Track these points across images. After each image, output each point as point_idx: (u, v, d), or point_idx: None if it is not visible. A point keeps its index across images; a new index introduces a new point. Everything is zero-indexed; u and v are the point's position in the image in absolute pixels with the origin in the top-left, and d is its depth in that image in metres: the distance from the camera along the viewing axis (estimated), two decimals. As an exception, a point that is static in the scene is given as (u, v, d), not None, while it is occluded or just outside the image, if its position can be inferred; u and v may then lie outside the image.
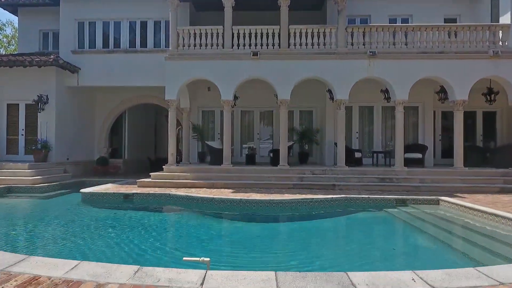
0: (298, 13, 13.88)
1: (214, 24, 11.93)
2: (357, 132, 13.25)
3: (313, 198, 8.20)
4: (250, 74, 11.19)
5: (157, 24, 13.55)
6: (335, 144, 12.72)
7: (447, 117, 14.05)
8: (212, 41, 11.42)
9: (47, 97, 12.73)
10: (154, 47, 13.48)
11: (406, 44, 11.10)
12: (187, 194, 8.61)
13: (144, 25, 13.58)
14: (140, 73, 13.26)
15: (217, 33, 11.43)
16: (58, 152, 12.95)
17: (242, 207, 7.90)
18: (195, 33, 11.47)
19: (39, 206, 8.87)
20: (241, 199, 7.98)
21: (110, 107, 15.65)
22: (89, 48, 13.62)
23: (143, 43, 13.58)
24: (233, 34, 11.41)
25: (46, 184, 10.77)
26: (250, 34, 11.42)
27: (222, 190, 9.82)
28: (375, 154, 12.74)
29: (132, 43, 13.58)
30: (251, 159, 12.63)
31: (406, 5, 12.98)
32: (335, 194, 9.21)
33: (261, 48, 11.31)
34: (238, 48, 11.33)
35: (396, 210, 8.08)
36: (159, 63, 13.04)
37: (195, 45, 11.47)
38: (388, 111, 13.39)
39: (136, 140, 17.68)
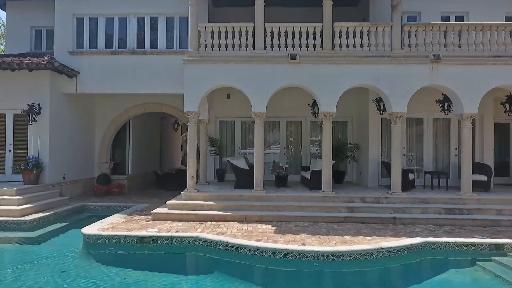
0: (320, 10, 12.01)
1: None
2: (404, 148, 11.38)
3: (389, 247, 6.27)
4: (287, 81, 9.26)
5: (170, 21, 11.56)
6: (383, 163, 10.85)
7: (500, 129, 12.30)
8: (240, 41, 9.47)
9: (39, 106, 10.68)
10: (166, 47, 11.49)
11: (474, 46, 9.26)
12: (221, 239, 6.63)
13: (154, 22, 11.59)
14: (150, 78, 11.26)
15: (247, 32, 9.49)
16: (53, 171, 10.91)
17: (297, 262, 5.98)
18: (219, 32, 9.52)
19: (22, 262, 6.26)
20: (298, 250, 6.03)
21: (112, 116, 13.61)
22: (89, 48, 11.58)
23: (154, 43, 11.58)
24: (265, 33, 9.49)
25: (38, 216, 8.71)
26: (286, 33, 9.49)
27: (258, 226, 7.88)
28: (427, 175, 10.90)
29: (140, 43, 11.58)
30: (281, 181, 10.70)
31: (463, 1, 11.15)
32: (399, 231, 7.34)
33: (300, 50, 9.39)
34: (272, 50, 9.40)
35: (493, 263, 6.18)
36: (172, 67, 11.13)
37: (219, 46, 9.52)
38: (441, 124, 11.55)
39: (141, 153, 15.65)
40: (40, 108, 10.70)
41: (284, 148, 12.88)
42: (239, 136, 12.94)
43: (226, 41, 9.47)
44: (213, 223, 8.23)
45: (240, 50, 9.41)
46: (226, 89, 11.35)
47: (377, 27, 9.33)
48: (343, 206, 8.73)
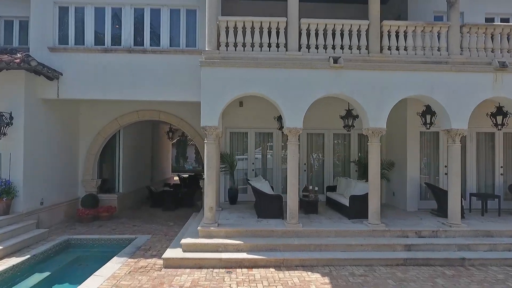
0: (347, 6, 10.53)
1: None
2: (445, 167, 10.01)
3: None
4: (327, 90, 7.61)
5: (174, 13, 9.62)
6: (427, 185, 9.42)
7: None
8: (270, 39, 7.73)
9: (10, 115, 8.50)
10: (170, 45, 9.56)
11: (542, 53, 7.97)
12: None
13: (156, 14, 9.61)
14: (151, 83, 9.30)
15: (277, 29, 7.77)
16: (28, 196, 8.75)
17: None
18: (244, 27, 7.74)
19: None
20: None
21: (100, 125, 11.49)
22: (75, 44, 9.45)
23: (155, 40, 9.61)
24: (300, 31, 7.80)
25: (7, 265, 6.53)
26: (325, 31, 7.84)
27: (304, 275, 6.17)
28: (471, 198, 9.60)
29: (138, 40, 9.57)
30: (311, 207, 9.03)
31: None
32: (480, 279, 5.87)
33: (342, 52, 7.77)
34: (308, 52, 7.73)
35: None
36: (178, 69, 9.28)
37: (244, 45, 7.73)
38: (485, 139, 10.26)
39: (132, 166, 13.57)
40: (11, 118, 8.51)
41: (305, 164, 11.24)
42: (253, 150, 11.19)
43: (253, 40, 7.70)
44: (243, 270, 6.45)
45: (270, 50, 7.67)
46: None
47: (432, 27, 7.85)
48: (398, 244, 7.17)
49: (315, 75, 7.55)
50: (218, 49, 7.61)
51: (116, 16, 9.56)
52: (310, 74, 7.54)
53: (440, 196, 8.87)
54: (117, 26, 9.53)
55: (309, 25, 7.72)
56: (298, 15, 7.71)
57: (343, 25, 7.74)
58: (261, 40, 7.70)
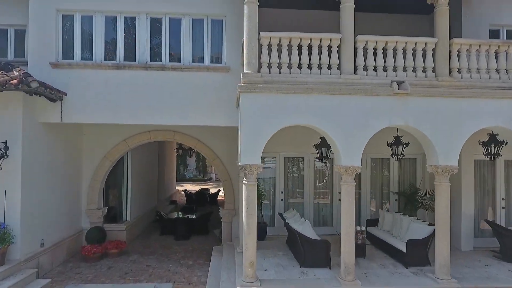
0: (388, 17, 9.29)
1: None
2: (503, 199, 8.89)
3: None
4: (390, 120, 6.39)
5: (197, 23, 8.33)
6: (488, 222, 8.28)
7: None
8: (320, 59, 6.48)
9: (5, 145, 7.14)
10: (193, 61, 8.27)
11: None
12: None
13: (176, 24, 8.30)
14: (170, 104, 8.00)
15: (329, 47, 6.53)
16: (27, 239, 7.39)
17: None
18: (290, 44, 6.48)
19: None
20: None
21: (106, 147, 10.13)
22: (81, 59, 8.10)
23: (175, 55, 8.32)
24: (356, 49, 6.57)
25: None
26: (384, 50, 6.62)
27: None
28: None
29: (155, 54, 8.27)
30: (358, 251, 7.79)
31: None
32: None
33: (405, 75, 6.56)
34: (367, 75, 6.51)
35: None
36: (203, 88, 8.06)
37: (290, 66, 6.47)
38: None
39: (140, 189, 12.23)
40: (7, 149, 7.15)
41: (339, 192, 10.02)
42: (281, 178, 9.94)
43: (300, 60, 6.44)
44: None
45: (321, 73, 6.43)
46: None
47: (508, 46, 6.70)
48: (476, 306, 6.01)
49: (375, 102, 6.33)
50: (260, 71, 6.35)
51: (130, 27, 8.24)
52: (369, 101, 6.33)
53: (505, 237, 7.75)
54: (129, 37, 8.21)
55: (367, 42, 6.50)
56: (354, 31, 6.48)
57: (406, 43, 6.53)
58: (310, 61, 6.45)
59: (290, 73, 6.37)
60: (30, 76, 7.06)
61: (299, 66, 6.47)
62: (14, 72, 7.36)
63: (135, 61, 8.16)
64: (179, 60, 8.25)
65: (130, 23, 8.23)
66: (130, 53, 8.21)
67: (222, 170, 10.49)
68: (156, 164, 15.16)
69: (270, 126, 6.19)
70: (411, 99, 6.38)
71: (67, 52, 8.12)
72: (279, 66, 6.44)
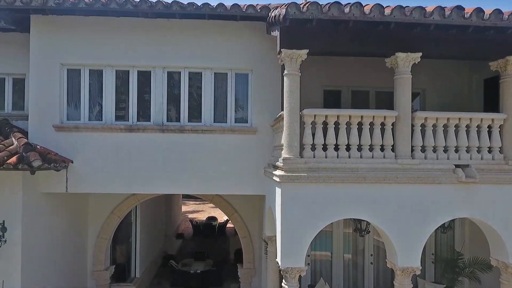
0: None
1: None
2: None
3: None
4: (453, 212, 5.50)
5: (220, 78, 7.39)
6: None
7: None
8: (372, 139, 5.56)
9: (3, 225, 6.18)
10: (215, 121, 7.33)
11: None
12: None
13: (196, 79, 7.37)
14: (189, 171, 7.08)
15: (382, 124, 5.60)
16: (26, 332, 6.45)
17: None
18: (337, 122, 5.55)
19: None
20: None
21: (114, 203, 9.14)
22: (89, 120, 7.14)
23: (195, 114, 7.37)
24: (413, 127, 5.65)
25: None
26: (445, 127, 5.69)
27: None
28: None
29: (172, 114, 7.32)
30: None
31: None
32: None
33: (470, 158, 5.65)
34: (425, 158, 5.59)
35: None
36: (225, 152, 7.14)
37: (337, 148, 5.55)
38: None
39: (149, 239, 11.31)
40: (4, 230, 6.19)
41: (371, 255, 9.11)
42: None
43: (349, 140, 5.51)
44: None
45: (373, 157, 5.51)
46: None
47: None
48: None
49: (436, 192, 5.43)
50: (301, 154, 5.42)
51: (144, 82, 7.28)
52: (429, 191, 5.42)
53: None
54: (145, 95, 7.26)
55: (426, 119, 5.58)
56: (411, 107, 5.57)
57: (471, 120, 5.63)
58: (360, 141, 5.53)
59: (337, 157, 5.44)
60: (32, 148, 6.11)
61: (348, 148, 5.54)
62: (13, 140, 6.42)
63: (149, 121, 7.20)
64: (199, 118, 7.31)
65: (144, 78, 7.26)
66: (144, 112, 7.27)
67: (241, 226, 9.57)
68: (165, 204, 14.22)
69: (315, 222, 5.26)
70: (477, 187, 5.47)
71: (73, 111, 7.16)
72: (324, 147, 5.51)
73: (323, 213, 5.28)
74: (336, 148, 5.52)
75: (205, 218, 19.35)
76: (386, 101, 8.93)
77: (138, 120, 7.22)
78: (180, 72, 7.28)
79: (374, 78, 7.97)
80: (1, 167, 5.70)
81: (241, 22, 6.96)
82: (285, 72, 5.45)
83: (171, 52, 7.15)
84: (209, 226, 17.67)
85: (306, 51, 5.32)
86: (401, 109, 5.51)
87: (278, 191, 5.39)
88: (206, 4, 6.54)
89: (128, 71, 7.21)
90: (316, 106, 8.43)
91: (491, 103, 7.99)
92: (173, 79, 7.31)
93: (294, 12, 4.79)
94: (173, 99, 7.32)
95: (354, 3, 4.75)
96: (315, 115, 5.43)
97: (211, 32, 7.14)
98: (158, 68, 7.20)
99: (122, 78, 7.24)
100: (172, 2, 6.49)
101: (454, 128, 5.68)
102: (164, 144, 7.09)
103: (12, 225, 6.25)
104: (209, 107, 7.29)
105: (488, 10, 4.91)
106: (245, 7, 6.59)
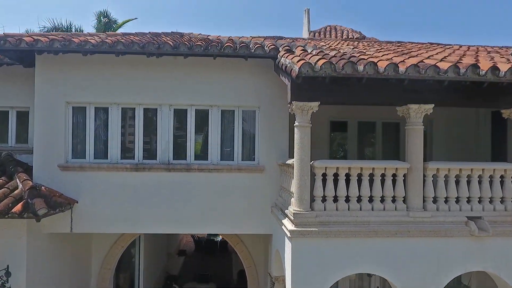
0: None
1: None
2: None
3: None
4: (465, 266, 5.41)
5: (227, 115, 7.30)
6: None
7: None
8: (383, 191, 5.48)
9: (7, 271, 6.10)
10: (222, 159, 7.24)
11: None
12: None
13: (202, 117, 7.29)
14: (196, 210, 6.99)
15: (394, 175, 5.51)
16: None
17: None
18: (348, 173, 5.45)
19: None
20: None
21: (116, 235, 9.03)
22: (94, 158, 7.05)
23: (201, 152, 7.29)
24: (424, 178, 5.57)
25: None
26: (457, 177, 5.62)
27: None
28: None
29: (179, 152, 7.24)
30: None
31: None
32: None
33: (482, 209, 5.57)
34: (437, 210, 5.50)
35: None
36: (232, 190, 7.08)
37: (348, 200, 5.47)
38: None
39: (152, 264, 11.23)
40: (8, 275, 6.11)
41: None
42: None
43: (360, 191, 5.43)
44: None
45: (384, 209, 5.44)
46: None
47: None
48: None
49: (448, 245, 5.35)
50: (312, 207, 5.33)
51: (150, 120, 7.20)
52: (441, 244, 5.34)
53: None
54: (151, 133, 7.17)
55: (438, 170, 5.51)
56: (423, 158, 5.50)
57: (483, 170, 5.55)
58: (371, 193, 5.45)
59: (348, 209, 5.36)
60: (37, 193, 6.01)
61: (359, 199, 5.46)
62: (18, 182, 6.33)
63: (155, 159, 7.12)
64: (206, 158, 7.22)
65: (151, 116, 7.19)
66: (150, 150, 7.19)
67: (246, 255, 9.47)
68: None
69: (325, 277, 5.18)
70: (489, 240, 5.40)
71: (78, 150, 7.07)
72: (335, 199, 5.43)
73: (333, 268, 5.20)
74: (347, 199, 5.44)
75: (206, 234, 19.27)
76: (392, 132, 8.92)
77: (144, 158, 7.13)
78: (186, 110, 7.19)
79: (380, 109, 7.86)
80: (7, 216, 5.62)
81: (249, 59, 6.87)
82: (296, 123, 5.37)
83: (177, 89, 7.07)
84: (211, 242, 17.59)
85: (317, 103, 5.24)
86: (413, 161, 5.44)
87: (288, 245, 5.31)
88: (214, 46, 6.46)
89: (134, 108, 7.13)
90: (323, 138, 8.49)
91: (499, 136, 7.95)
92: (179, 117, 7.23)
93: (307, 71, 4.70)
94: (179, 136, 7.23)
95: (368, 63, 4.65)
96: (326, 167, 5.35)
97: (218, 69, 7.06)
98: (165, 106, 7.11)
99: (128, 115, 7.16)
100: (180, 44, 6.42)
101: (467, 178, 5.61)
102: (170, 183, 7.00)
103: (16, 269, 6.17)
104: (216, 145, 7.20)
105: (504, 67, 4.83)
106: (254, 48, 6.51)
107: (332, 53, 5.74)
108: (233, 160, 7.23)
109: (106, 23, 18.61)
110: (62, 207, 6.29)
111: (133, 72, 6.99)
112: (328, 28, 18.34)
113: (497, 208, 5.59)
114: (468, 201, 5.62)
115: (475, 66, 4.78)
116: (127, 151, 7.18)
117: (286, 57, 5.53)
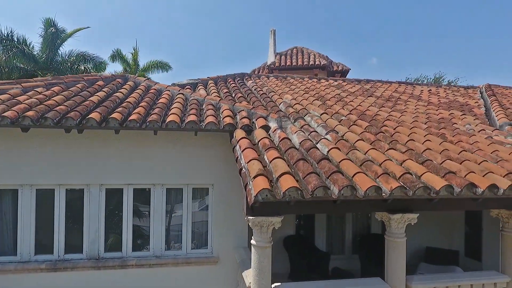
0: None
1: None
2: None
3: None
4: None
5: (174, 194, 6.01)
6: None
7: None
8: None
9: None
10: (166, 248, 5.93)
11: None
12: None
13: (143, 197, 5.94)
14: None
15: None
16: None
17: None
18: None
19: None
20: None
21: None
22: (-2, 256, 5.50)
23: (141, 241, 5.94)
24: (406, 298, 4.65)
25: None
26: (443, 296, 4.77)
27: None
28: None
29: (112, 242, 5.83)
30: None
31: None
32: None
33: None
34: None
35: None
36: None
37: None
38: None
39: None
40: None
41: None
42: None
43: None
44: None
45: None
46: None
47: None
48: None
49: None
50: None
51: (75, 204, 5.73)
52: None
53: None
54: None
55: (421, 291, 4.60)
56: None
57: (471, 286, 4.74)
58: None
59: None
60: None
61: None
62: None
63: (81, 252, 5.69)
64: (146, 247, 5.90)
65: (75, 199, 5.73)
66: (74, 241, 5.74)
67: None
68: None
69: None
70: None
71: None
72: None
73: None
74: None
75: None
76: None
77: (66, 251, 5.67)
78: (122, 189, 5.82)
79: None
80: None
81: (200, 133, 5.65)
82: (253, 241, 4.23)
83: (110, 166, 5.68)
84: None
85: (280, 218, 4.13)
86: (394, 280, 4.50)
87: None
88: (153, 121, 5.16)
89: (54, 190, 5.64)
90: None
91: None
92: (113, 198, 5.84)
93: (266, 195, 3.58)
94: (113, 223, 5.85)
95: (346, 186, 3.61)
96: (289, 296, 4.26)
97: (163, 141, 5.78)
98: (94, 186, 5.69)
99: (44, 199, 5.65)
100: (109, 119, 5.04)
101: (453, 295, 4.78)
102: (101, 285, 5.61)
103: None
104: (158, 230, 5.91)
105: (503, 185, 3.99)
106: (204, 124, 5.30)
107: (302, 145, 4.64)
108: (181, 250, 5.97)
109: (52, 33, 16.64)
110: None
111: (52, 144, 5.51)
112: (294, 50, 17.38)
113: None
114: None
115: (473, 185, 3.90)
116: (43, 243, 5.67)
117: (242, 152, 4.37)
